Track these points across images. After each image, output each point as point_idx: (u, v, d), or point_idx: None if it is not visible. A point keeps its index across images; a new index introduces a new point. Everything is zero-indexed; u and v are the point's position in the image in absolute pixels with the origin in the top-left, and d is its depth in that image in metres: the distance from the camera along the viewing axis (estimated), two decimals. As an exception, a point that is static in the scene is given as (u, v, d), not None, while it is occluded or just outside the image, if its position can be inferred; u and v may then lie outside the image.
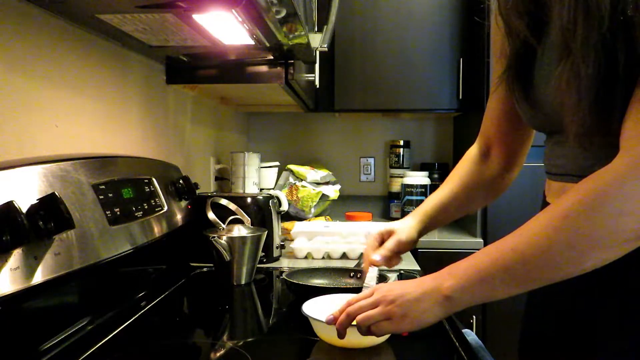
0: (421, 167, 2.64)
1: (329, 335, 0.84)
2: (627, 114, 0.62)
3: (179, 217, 1.30)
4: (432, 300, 0.69)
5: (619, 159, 0.61)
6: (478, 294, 0.68)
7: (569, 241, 0.61)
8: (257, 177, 2.04)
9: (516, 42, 0.78)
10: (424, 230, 1.00)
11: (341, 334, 0.78)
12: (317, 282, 1.20)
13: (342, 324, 0.77)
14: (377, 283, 0.93)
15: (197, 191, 1.43)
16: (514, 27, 0.77)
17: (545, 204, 0.84)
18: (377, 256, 0.95)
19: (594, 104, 0.63)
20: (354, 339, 0.80)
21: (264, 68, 1.50)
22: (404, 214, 2.35)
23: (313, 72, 1.86)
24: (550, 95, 0.72)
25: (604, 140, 0.65)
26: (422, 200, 2.30)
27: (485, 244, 2.05)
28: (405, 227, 0.98)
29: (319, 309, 0.89)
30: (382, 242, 0.99)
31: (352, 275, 1.21)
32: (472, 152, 1.01)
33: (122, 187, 1.05)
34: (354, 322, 0.76)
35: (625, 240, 0.60)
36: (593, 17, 0.62)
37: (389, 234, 0.98)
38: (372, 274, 0.95)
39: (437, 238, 2.10)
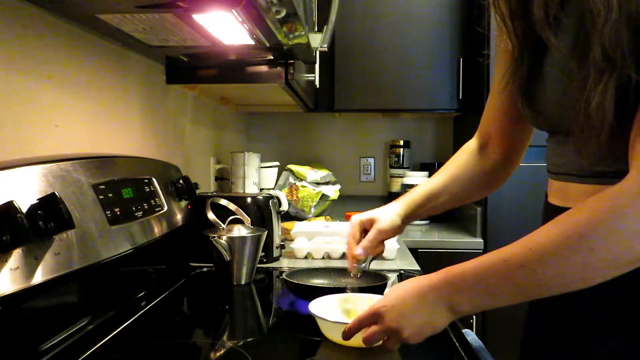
0: (421, 167, 2.64)
1: (335, 335, 0.85)
2: (636, 130, 0.62)
3: (179, 217, 1.30)
4: (441, 317, 0.70)
5: (632, 178, 0.61)
6: (483, 306, 0.69)
7: (584, 262, 0.61)
8: (257, 177, 2.04)
9: (521, 45, 0.77)
10: (410, 216, 0.98)
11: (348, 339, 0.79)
12: (317, 282, 1.20)
13: (351, 333, 0.79)
14: (361, 276, 0.98)
15: (197, 191, 1.43)
16: (519, 30, 0.76)
17: (547, 203, 0.84)
18: (359, 250, 0.93)
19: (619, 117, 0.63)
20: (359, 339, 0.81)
21: (264, 68, 1.50)
22: (404, 214, 2.35)
23: (313, 72, 1.87)
24: (552, 98, 0.72)
25: (610, 141, 0.65)
26: (422, 200, 2.30)
27: (485, 244, 2.04)
28: (387, 214, 0.96)
29: (325, 309, 0.90)
30: (364, 230, 0.97)
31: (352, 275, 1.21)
32: (470, 145, 1.00)
33: (122, 187, 1.05)
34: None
35: (638, 259, 0.60)
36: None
37: (370, 222, 0.96)
38: (358, 270, 0.97)
39: (437, 238, 2.10)
